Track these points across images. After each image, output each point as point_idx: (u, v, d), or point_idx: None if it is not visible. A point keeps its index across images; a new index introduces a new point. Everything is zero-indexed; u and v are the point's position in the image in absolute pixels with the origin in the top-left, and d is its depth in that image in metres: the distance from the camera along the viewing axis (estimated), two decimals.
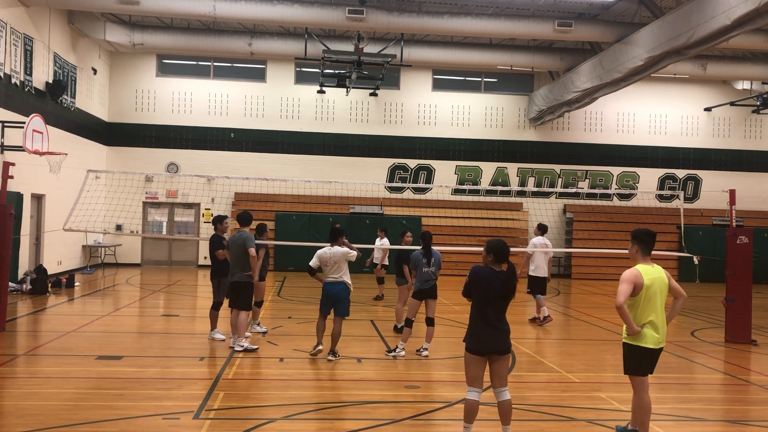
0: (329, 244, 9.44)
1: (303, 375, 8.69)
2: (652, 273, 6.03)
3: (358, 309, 14.85)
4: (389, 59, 19.00)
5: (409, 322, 9.96)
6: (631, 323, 5.95)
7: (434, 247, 10.11)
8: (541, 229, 13.47)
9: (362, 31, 19.06)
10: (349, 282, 9.43)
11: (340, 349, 9.76)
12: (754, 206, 26.02)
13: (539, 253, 13.17)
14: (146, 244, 24.71)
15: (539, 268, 13.11)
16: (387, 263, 16.65)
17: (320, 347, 9.54)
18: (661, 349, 6.10)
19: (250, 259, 9.79)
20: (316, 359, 9.42)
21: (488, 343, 5.79)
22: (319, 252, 9.41)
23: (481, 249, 6.05)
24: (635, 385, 6.10)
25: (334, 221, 17.16)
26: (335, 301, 9.38)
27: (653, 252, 6.24)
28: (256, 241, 11.14)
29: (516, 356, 10.00)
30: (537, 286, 13.05)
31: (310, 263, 9.37)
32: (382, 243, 16.35)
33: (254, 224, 11.21)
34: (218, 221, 10.74)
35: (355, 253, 9.45)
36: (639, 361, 6.06)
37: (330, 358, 9.40)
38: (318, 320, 9.64)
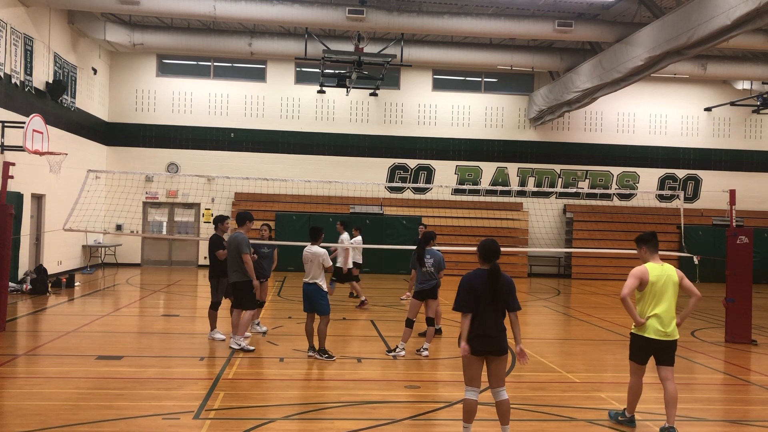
0: (309, 244, 9.55)
1: (303, 375, 8.70)
2: (659, 271, 6.54)
3: (358, 309, 14.83)
4: (389, 59, 18.99)
5: (409, 322, 9.95)
6: (634, 314, 6.53)
7: (436, 247, 10.10)
8: (347, 226, 15.50)
9: (362, 31, 19.06)
10: (323, 285, 9.42)
11: (340, 349, 9.75)
12: (754, 206, 26.02)
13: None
14: (146, 244, 24.71)
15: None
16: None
17: (312, 354, 9.55)
18: (669, 342, 6.51)
19: (245, 265, 9.81)
20: (316, 359, 9.43)
21: (485, 343, 5.80)
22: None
23: None
24: (631, 369, 6.73)
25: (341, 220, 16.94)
26: (310, 301, 9.46)
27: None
28: (263, 242, 11.23)
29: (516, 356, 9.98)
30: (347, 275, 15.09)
31: None
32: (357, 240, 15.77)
33: (257, 224, 11.27)
34: (219, 221, 10.78)
35: (330, 263, 9.56)
36: (639, 350, 6.62)
37: (310, 354, 9.45)
38: (306, 322, 9.66)
